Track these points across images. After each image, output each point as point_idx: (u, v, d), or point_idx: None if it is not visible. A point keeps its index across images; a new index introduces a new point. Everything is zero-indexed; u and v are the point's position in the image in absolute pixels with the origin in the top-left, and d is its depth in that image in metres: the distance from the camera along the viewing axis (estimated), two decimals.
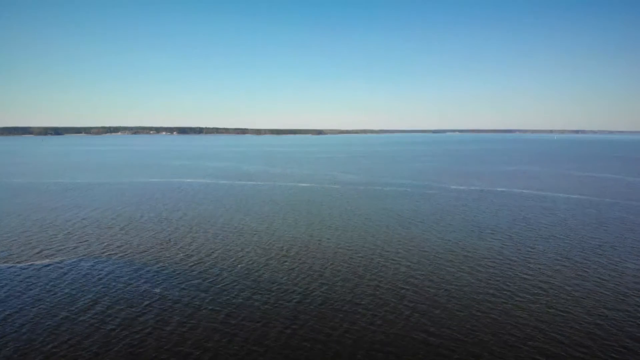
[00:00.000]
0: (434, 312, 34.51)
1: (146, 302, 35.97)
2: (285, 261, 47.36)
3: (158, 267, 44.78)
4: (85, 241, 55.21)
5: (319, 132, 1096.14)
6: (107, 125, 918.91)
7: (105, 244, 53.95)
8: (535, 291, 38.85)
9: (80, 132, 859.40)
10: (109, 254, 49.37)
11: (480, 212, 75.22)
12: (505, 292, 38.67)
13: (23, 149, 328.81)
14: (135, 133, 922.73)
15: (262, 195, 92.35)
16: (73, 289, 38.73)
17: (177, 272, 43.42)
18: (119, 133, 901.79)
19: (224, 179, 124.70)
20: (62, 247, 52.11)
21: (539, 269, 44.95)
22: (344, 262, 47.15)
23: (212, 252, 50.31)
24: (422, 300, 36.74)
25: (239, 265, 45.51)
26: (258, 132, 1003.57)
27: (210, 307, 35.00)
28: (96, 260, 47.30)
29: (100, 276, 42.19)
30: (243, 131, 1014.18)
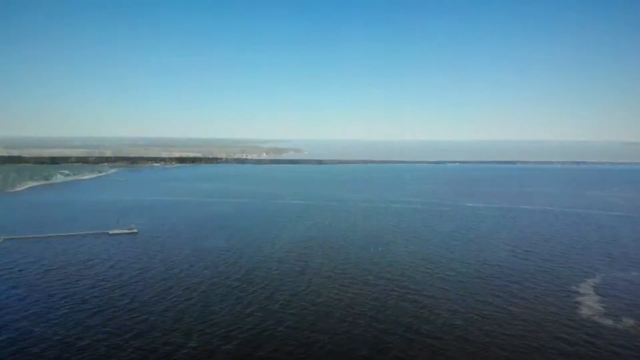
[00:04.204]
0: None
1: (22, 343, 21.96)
2: (255, 286, 33.43)
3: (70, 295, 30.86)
4: None
5: (319, 162, 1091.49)
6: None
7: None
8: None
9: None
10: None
11: (508, 228, 61.60)
12: (586, 337, 24.59)
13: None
14: (133, 163, 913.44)
15: (245, 213, 78.80)
16: None
17: (99, 300, 29.51)
18: (116, 163, 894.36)
19: (209, 197, 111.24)
20: None
21: (618, 297, 30.93)
22: (341, 289, 33.22)
23: (158, 276, 36.42)
24: (469, 341, 22.64)
25: (189, 292, 31.59)
26: (258, 161, 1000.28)
27: (128, 353, 20.98)
28: None
29: None
30: (243, 161, 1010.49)
